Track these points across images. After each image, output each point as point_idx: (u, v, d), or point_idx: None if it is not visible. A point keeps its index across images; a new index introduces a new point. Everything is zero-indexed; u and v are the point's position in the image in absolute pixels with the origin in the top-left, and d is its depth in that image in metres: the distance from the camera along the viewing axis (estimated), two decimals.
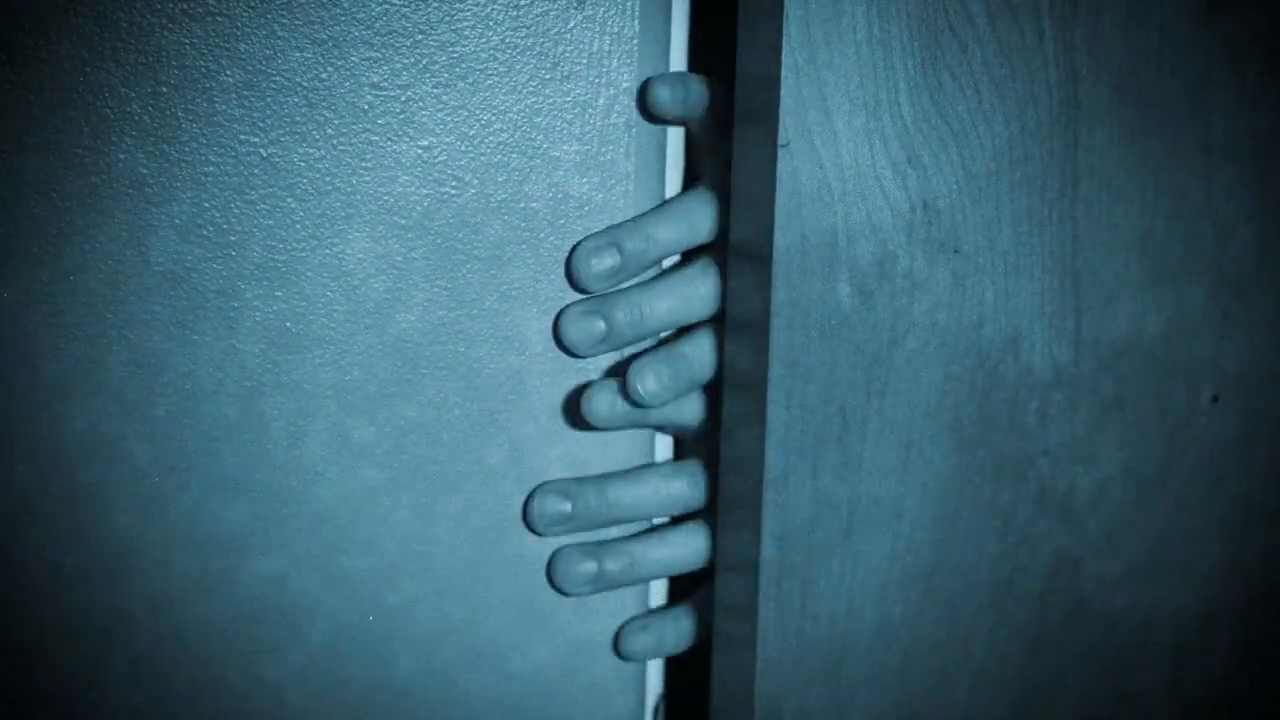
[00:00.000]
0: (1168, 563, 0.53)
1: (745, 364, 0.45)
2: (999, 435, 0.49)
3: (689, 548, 0.51)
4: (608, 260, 0.48)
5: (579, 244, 0.48)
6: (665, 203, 0.49)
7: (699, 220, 0.49)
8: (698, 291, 0.48)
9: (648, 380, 0.47)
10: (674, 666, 0.55)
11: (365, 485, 0.48)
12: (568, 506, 0.50)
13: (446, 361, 0.48)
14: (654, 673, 0.54)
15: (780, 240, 0.43)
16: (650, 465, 0.51)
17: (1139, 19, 0.48)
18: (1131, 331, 0.50)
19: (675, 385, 0.48)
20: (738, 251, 0.46)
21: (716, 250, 0.49)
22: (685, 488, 0.50)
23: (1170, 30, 0.48)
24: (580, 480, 0.50)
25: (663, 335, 0.51)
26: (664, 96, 0.47)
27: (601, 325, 0.48)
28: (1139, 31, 0.48)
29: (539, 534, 0.50)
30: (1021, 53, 0.46)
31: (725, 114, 0.49)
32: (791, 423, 0.45)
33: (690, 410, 0.51)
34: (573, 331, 0.48)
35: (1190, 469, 0.53)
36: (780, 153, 0.42)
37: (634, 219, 0.48)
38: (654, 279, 0.49)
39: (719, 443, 0.49)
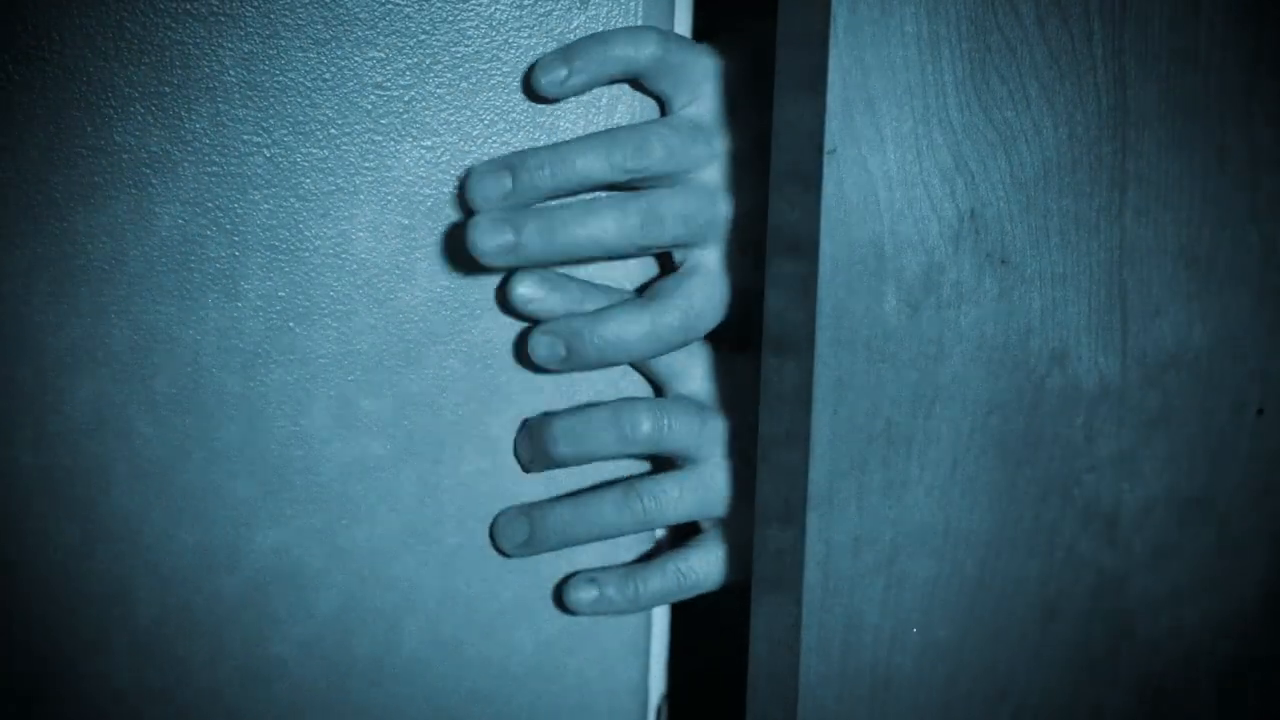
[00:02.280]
0: (1212, 581, 0.52)
1: (787, 380, 0.43)
2: (1045, 451, 0.47)
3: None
4: (504, 182, 0.46)
5: (473, 166, 0.46)
6: (589, 135, 0.47)
7: (617, 154, 0.46)
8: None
9: (539, 350, 0.47)
10: (676, 666, 0.54)
11: (369, 457, 0.48)
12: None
13: (449, 332, 0.48)
14: (656, 672, 0.53)
15: (826, 250, 0.41)
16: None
17: (1187, 20, 0.46)
18: (1177, 344, 0.49)
19: (572, 357, 0.47)
20: (777, 261, 0.44)
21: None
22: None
23: (1218, 32, 0.47)
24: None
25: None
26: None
27: (511, 237, 0.45)
28: (1187, 33, 0.46)
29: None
30: (1070, 55, 0.44)
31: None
32: (836, 441, 0.43)
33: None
34: (482, 240, 0.45)
35: (1235, 484, 0.51)
36: (826, 159, 0.41)
37: (545, 145, 0.47)
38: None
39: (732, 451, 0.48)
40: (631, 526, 0.49)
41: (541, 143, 0.47)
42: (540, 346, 0.47)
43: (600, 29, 0.47)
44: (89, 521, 0.47)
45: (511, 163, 0.46)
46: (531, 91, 0.46)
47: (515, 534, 0.49)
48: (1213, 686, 0.53)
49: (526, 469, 0.49)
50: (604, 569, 0.50)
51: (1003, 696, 0.49)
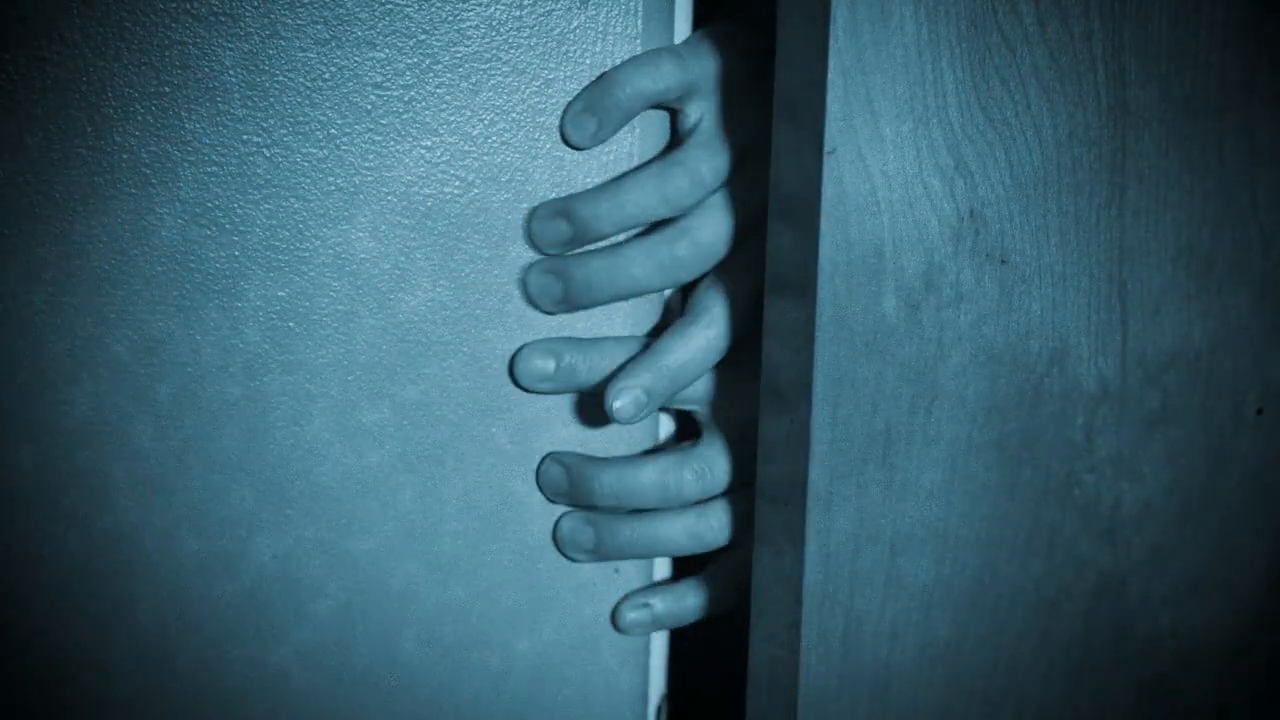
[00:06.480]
0: (1212, 581, 0.52)
1: (787, 381, 0.43)
2: (1045, 451, 0.47)
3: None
4: (563, 228, 0.47)
5: (534, 209, 0.48)
6: (639, 167, 0.48)
7: (671, 189, 0.47)
8: (672, 254, 0.47)
9: (624, 404, 0.47)
10: (676, 666, 0.54)
11: (369, 466, 0.48)
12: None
13: (450, 343, 0.48)
14: (656, 672, 0.53)
15: (826, 252, 0.41)
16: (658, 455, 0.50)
17: (1188, 19, 0.46)
18: (1177, 343, 0.49)
19: (654, 400, 0.47)
20: (777, 262, 0.44)
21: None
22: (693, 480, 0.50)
23: (1218, 30, 0.47)
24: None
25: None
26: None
27: (560, 288, 0.48)
28: (1188, 32, 0.46)
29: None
30: (1070, 55, 0.44)
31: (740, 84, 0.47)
32: (836, 441, 0.43)
33: (695, 390, 0.49)
34: (533, 291, 0.48)
35: (1235, 484, 0.51)
36: (826, 160, 0.41)
37: (598, 185, 0.48)
38: (625, 242, 0.48)
39: (731, 418, 0.49)
40: (690, 551, 0.51)
41: (542, 143, 0.47)
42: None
43: (600, 29, 0.47)
44: (88, 529, 0.47)
45: (570, 209, 0.47)
46: (566, 141, 0.48)
47: (583, 541, 0.50)
48: (1213, 687, 0.53)
49: (551, 501, 0.50)
50: (650, 589, 0.51)
51: (1003, 696, 0.49)
